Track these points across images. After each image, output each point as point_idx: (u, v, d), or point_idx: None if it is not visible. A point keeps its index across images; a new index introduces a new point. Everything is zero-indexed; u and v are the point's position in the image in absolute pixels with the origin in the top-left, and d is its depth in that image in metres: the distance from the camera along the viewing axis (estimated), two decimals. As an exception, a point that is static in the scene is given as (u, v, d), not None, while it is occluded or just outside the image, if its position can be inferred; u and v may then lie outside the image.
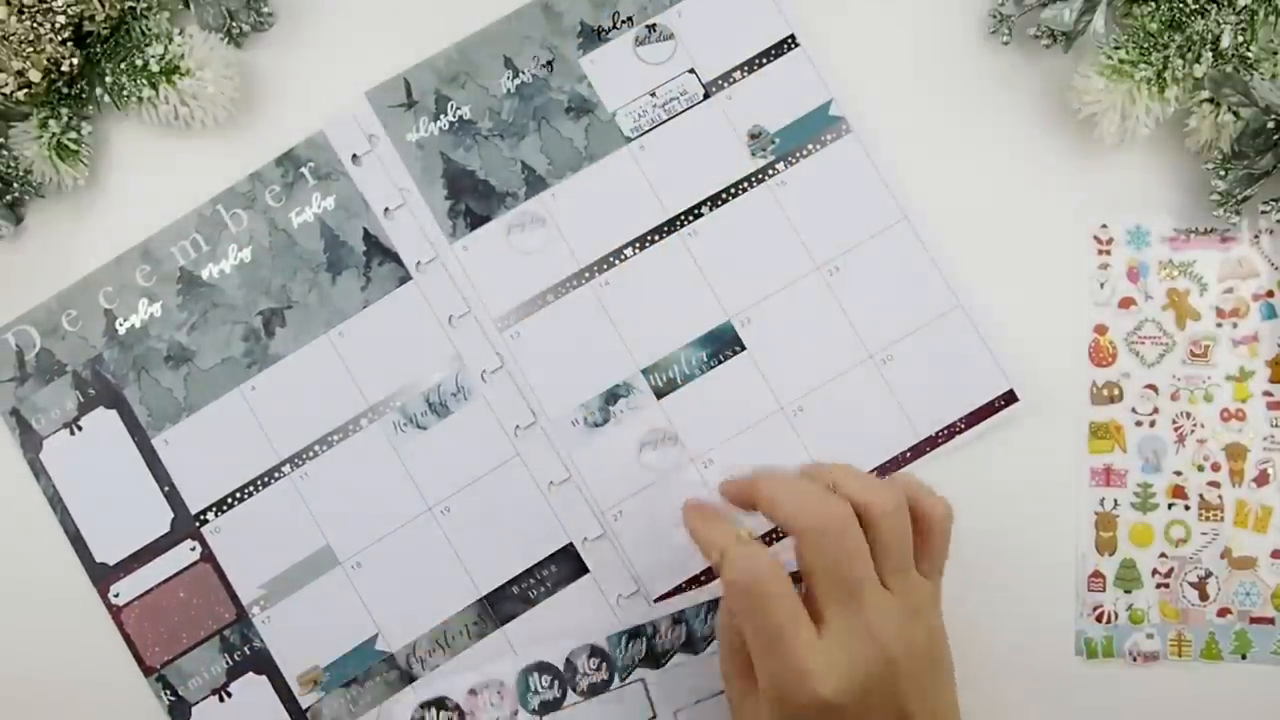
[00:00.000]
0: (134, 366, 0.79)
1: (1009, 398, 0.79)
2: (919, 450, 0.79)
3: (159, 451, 0.79)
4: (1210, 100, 0.75)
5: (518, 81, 0.81)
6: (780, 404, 0.79)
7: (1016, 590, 0.77)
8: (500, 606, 0.78)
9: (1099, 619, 0.78)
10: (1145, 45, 0.75)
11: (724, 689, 0.70)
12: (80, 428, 0.79)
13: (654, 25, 0.81)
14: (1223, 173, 0.75)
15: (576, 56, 0.81)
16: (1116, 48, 0.75)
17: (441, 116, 0.80)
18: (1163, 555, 0.78)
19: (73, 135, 0.77)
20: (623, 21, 0.81)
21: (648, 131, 0.81)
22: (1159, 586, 0.78)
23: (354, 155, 0.80)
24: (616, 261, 0.80)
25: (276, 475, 0.79)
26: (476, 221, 0.80)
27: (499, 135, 0.80)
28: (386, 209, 0.80)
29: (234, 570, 0.79)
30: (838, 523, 0.63)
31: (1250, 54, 0.75)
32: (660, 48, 0.81)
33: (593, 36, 0.81)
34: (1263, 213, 0.76)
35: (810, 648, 0.62)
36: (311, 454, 0.79)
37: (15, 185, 0.78)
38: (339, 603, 0.78)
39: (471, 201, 0.80)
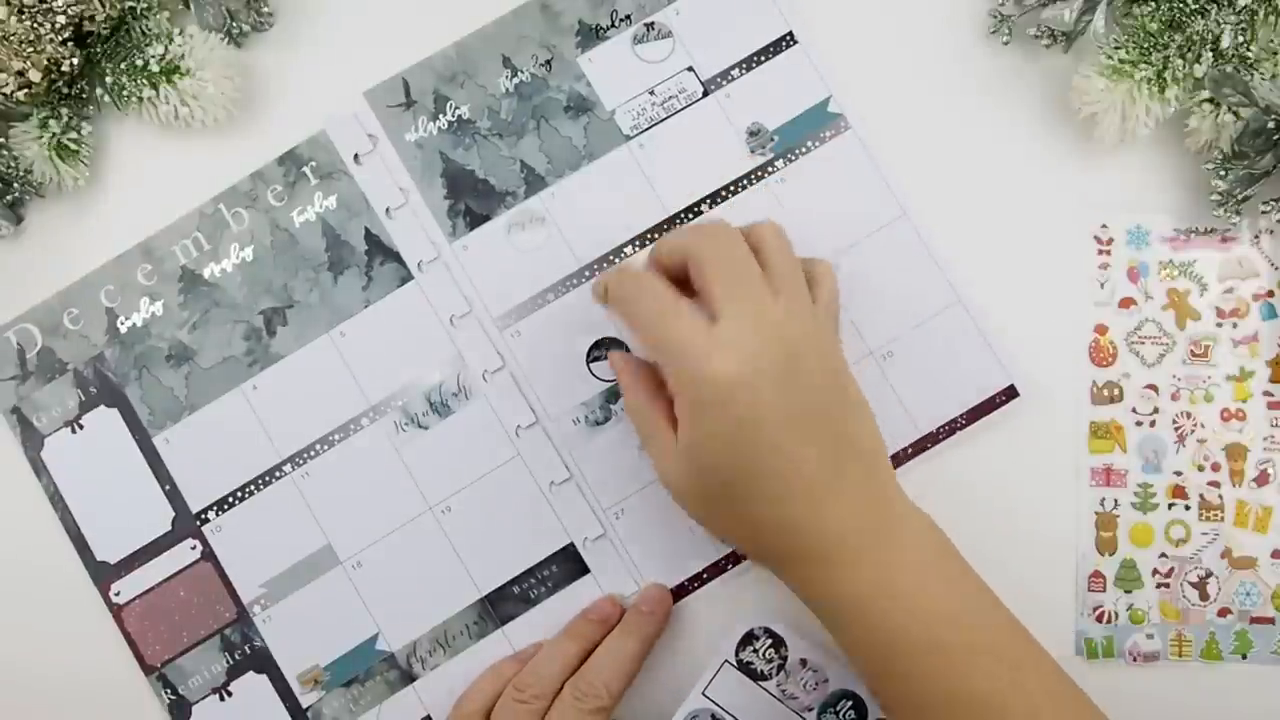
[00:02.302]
0: (135, 365, 0.80)
1: (1009, 393, 0.79)
2: (920, 446, 0.79)
3: (160, 450, 0.79)
4: (1210, 100, 0.75)
5: (516, 81, 0.81)
6: (781, 400, 0.79)
7: (1016, 590, 0.77)
8: (501, 606, 0.78)
9: (1099, 619, 0.78)
10: (1145, 45, 0.75)
11: (639, 431, 0.72)
12: (81, 426, 0.80)
13: (652, 23, 0.81)
14: (1223, 173, 0.75)
15: (575, 55, 0.81)
16: (1117, 48, 0.75)
17: (440, 116, 0.80)
18: (1163, 555, 0.78)
19: (73, 135, 0.77)
20: (621, 20, 0.81)
21: (647, 130, 0.81)
22: (1159, 586, 0.78)
23: (355, 155, 0.80)
24: (617, 259, 0.80)
25: (277, 474, 0.79)
26: (476, 221, 0.80)
27: (498, 134, 0.80)
28: (388, 208, 0.80)
29: (235, 569, 0.79)
30: (727, 228, 0.70)
31: (1250, 54, 0.75)
32: (658, 45, 0.81)
33: (591, 35, 0.81)
34: (1263, 213, 0.76)
35: (707, 329, 0.65)
36: (312, 453, 0.79)
37: (16, 185, 0.78)
38: (339, 602, 0.79)
39: (471, 201, 0.80)
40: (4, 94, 0.76)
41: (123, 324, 0.80)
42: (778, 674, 0.78)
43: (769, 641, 0.78)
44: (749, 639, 0.78)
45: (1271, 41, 0.75)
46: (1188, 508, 0.78)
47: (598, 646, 0.77)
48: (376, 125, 0.80)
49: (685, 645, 0.80)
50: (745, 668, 0.78)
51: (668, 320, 0.67)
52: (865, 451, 0.68)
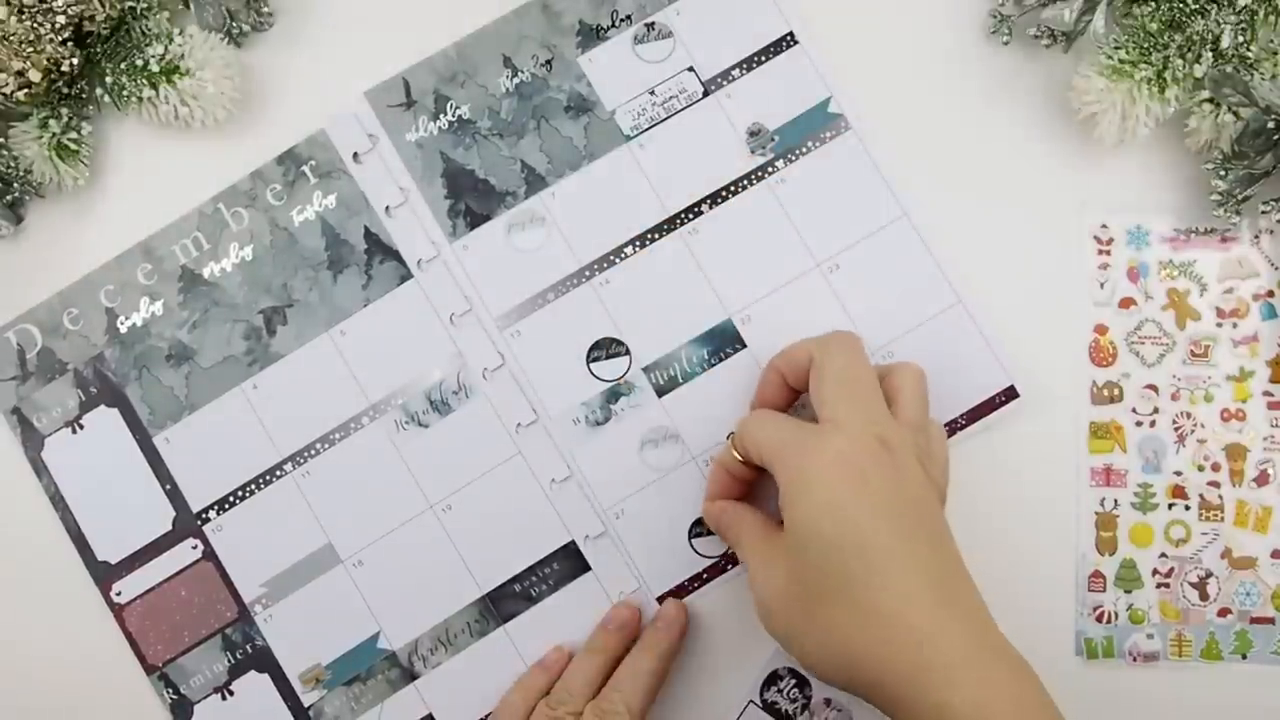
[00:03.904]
0: (135, 365, 0.80)
1: (1009, 394, 0.79)
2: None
3: (160, 450, 0.79)
4: (1210, 100, 0.75)
5: (516, 80, 0.81)
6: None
7: (1016, 590, 0.77)
8: (502, 604, 0.79)
9: (1099, 619, 0.78)
10: (1145, 45, 0.75)
11: (731, 531, 0.74)
12: (81, 426, 0.80)
13: (652, 23, 0.81)
14: (1223, 173, 0.75)
15: (575, 55, 0.81)
16: (1117, 48, 0.75)
17: (441, 116, 0.81)
18: (1163, 555, 0.78)
19: (73, 135, 0.77)
20: (621, 20, 0.81)
21: (647, 130, 0.81)
22: (1159, 586, 0.78)
23: (355, 154, 0.80)
24: (617, 260, 0.80)
25: (278, 473, 0.79)
26: (476, 221, 0.80)
27: (498, 134, 0.81)
28: (388, 207, 0.80)
29: (236, 569, 0.79)
30: (858, 345, 0.71)
31: (1250, 54, 0.75)
32: (659, 46, 0.81)
33: (591, 35, 0.81)
34: (1263, 213, 0.76)
35: (817, 427, 0.68)
36: (313, 452, 0.79)
37: (15, 185, 0.78)
38: (341, 601, 0.79)
39: (471, 201, 0.80)
40: (4, 94, 0.76)
41: (123, 324, 0.80)
42: (802, 714, 0.78)
43: (793, 682, 0.78)
44: (773, 679, 0.78)
45: (1271, 41, 0.75)
46: (1188, 508, 0.78)
47: (621, 661, 0.77)
48: (376, 125, 0.80)
49: (707, 682, 0.79)
50: (771, 708, 0.78)
51: (776, 426, 0.70)
52: (964, 573, 0.67)
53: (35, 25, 0.75)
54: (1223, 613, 0.78)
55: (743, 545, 0.72)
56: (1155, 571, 0.78)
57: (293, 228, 0.80)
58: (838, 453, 0.65)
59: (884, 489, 0.65)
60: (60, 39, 0.76)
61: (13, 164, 0.78)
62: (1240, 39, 0.75)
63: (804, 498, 0.65)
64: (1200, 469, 0.79)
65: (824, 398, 0.68)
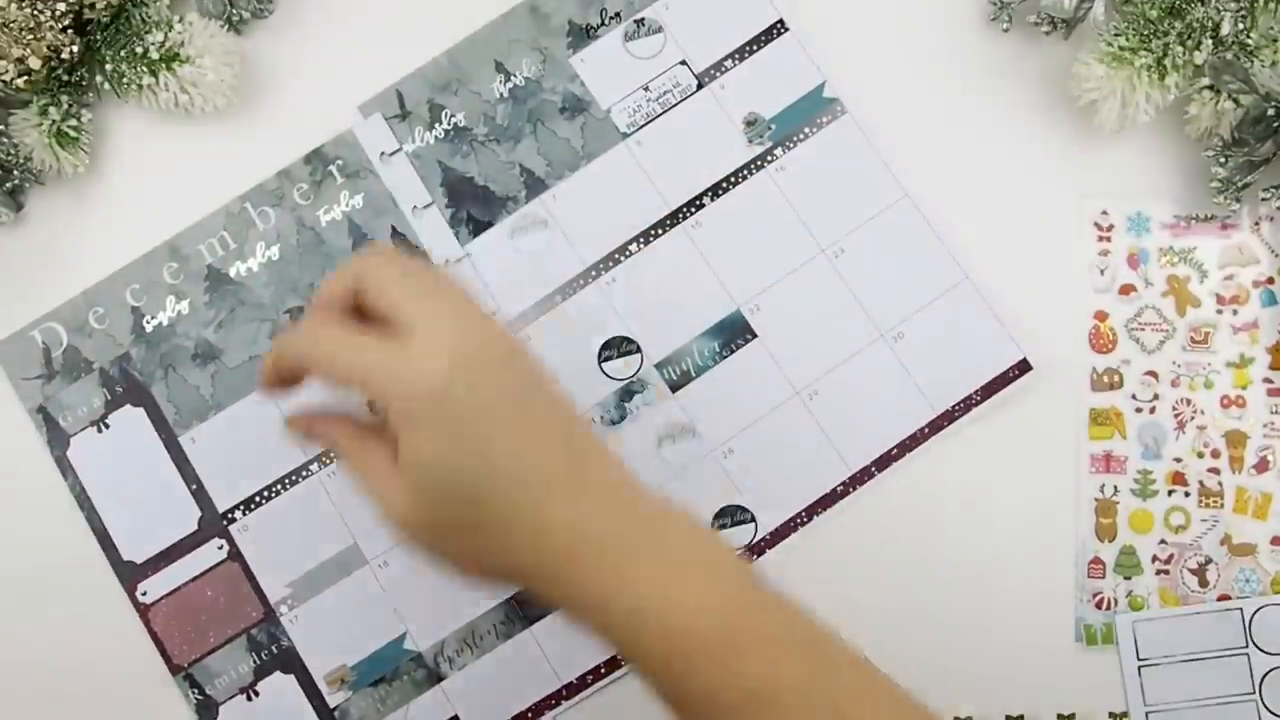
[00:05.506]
0: (161, 364, 0.81)
1: (1022, 367, 0.79)
2: (936, 425, 0.79)
3: (186, 449, 0.81)
4: (1210, 87, 0.74)
5: (510, 85, 0.81)
6: (795, 389, 0.80)
7: (1017, 576, 0.78)
8: (528, 606, 0.79)
9: (1099, 605, 0.79)
10: (1145, 32, 0.74)
11: (350, 469, 0.62)
12: (107, 425, 0.81)
13: (642, 19, 0.81)
14: (1223, 159, 0.75)
15: (566, 56, 0.81)
16: (1117, 34, 0.75)
17: (436, 125, 0.81)
18: (1162, 542, 0.79)
19: (72, 123, 0.78)
20: (610, 18, 0.81)
21: (643, 126, 0.81)
22: (1159, 573, 0.79)
23: (382, 153, 0.81)
24: (621, 258, 0.80)
25: (304, 473, 0.80)
26: (479, 228, 0.80)
27: (495, 140, 0.81)
28: (415, 207, 0.81)
29: (261, 569, 0.80)
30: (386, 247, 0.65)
31: (1250, 41, 0.74)
32: (650, 41, 0.81)
33: (581, 35, 0.81)
34: (1263, 199, 0.76)
35: (401, 344, 0.56)
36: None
37: (15, 172, 0.79)
38: (367, 601, 0.80)
39: (472, 208, 0.80)
40: (4, 81, 0.76)
41: (149, 323, 0.81)
42: None
43: None
44: None
45: (1271, 28, 0.74)
46: (1187, 494, 0.79)
47: None
48: (386, 130, 0.81)
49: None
50: None
51: (354, 350, 0.57)
52: (596, 444, 0.60)
53: (35, 12, 0.75)
54: (1222, 599, 0.79)
55: (358, 476, 0.61)
56: (1155, 558, 0.79)
57: (319, 227, 0.81)
58: (440, 368, 0.55)
59: (500, 387, 0.57)
60: (60, 26, 0.76)
61: (12, 151, 0.79)
62: (1240, 26, 0.74)
63: (419, 432, 0.56)
64: (1200, 455, 0.79)
65: (393, 305, 0.57)
